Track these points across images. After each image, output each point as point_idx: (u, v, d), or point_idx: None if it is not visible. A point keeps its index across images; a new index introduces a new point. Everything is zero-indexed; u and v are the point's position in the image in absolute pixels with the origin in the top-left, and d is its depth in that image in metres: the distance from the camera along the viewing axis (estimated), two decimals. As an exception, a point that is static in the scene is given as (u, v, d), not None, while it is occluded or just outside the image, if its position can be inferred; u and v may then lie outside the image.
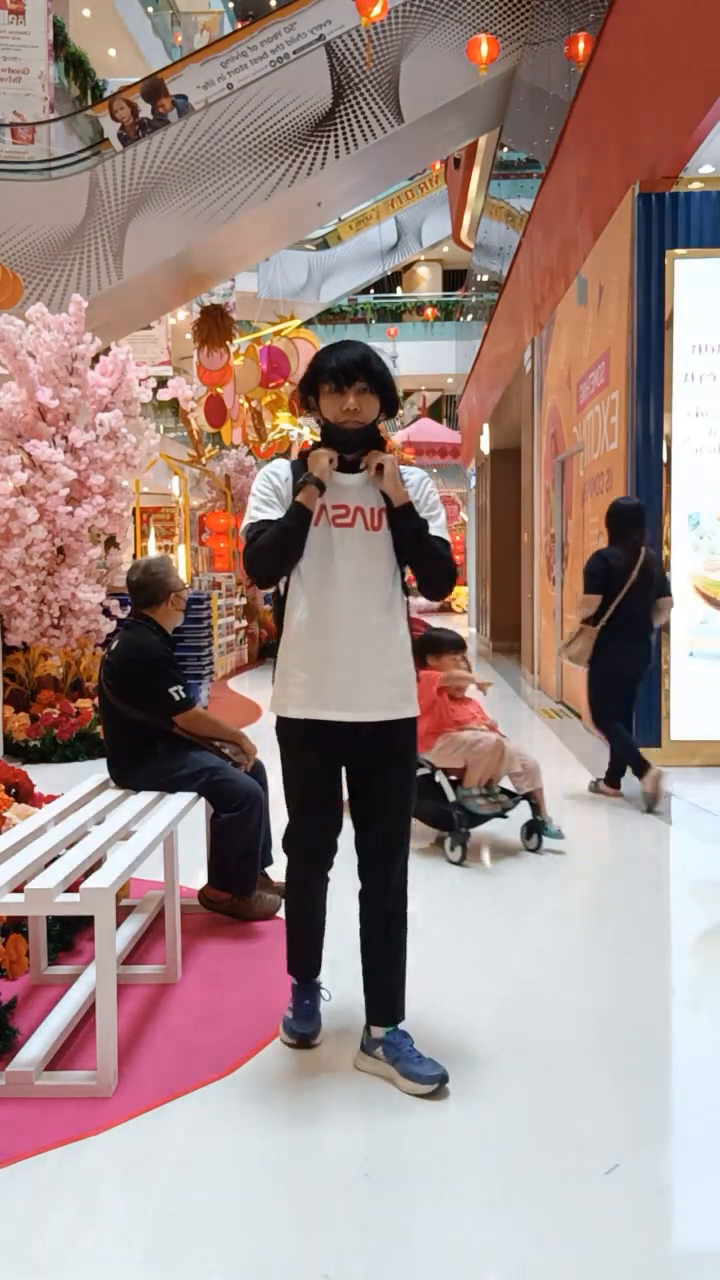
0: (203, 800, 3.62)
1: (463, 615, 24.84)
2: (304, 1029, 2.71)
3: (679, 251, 6.27)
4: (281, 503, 2.55)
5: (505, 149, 13.16)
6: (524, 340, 11.14)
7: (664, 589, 5.55)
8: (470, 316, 22.17)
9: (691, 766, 6.24)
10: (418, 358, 29.03)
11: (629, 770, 5.49)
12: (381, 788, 2.59)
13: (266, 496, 2.57)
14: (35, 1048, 2.60)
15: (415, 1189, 2.09)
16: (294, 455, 2.65)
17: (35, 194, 11.55)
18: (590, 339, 7.53)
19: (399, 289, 32.93)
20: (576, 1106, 2.42)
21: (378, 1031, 2.61)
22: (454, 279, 31.17)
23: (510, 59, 10.82)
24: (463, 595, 25.39)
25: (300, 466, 2.58)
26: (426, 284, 32.65)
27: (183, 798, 3.46)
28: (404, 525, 2.54)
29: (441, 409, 30.61)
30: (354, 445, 2.57)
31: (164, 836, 3.11)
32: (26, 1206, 2.07)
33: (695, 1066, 2.68)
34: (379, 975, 2.63)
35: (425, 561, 2.58)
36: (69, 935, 3.42)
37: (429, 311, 29.75)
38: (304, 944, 2.78)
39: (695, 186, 6.28)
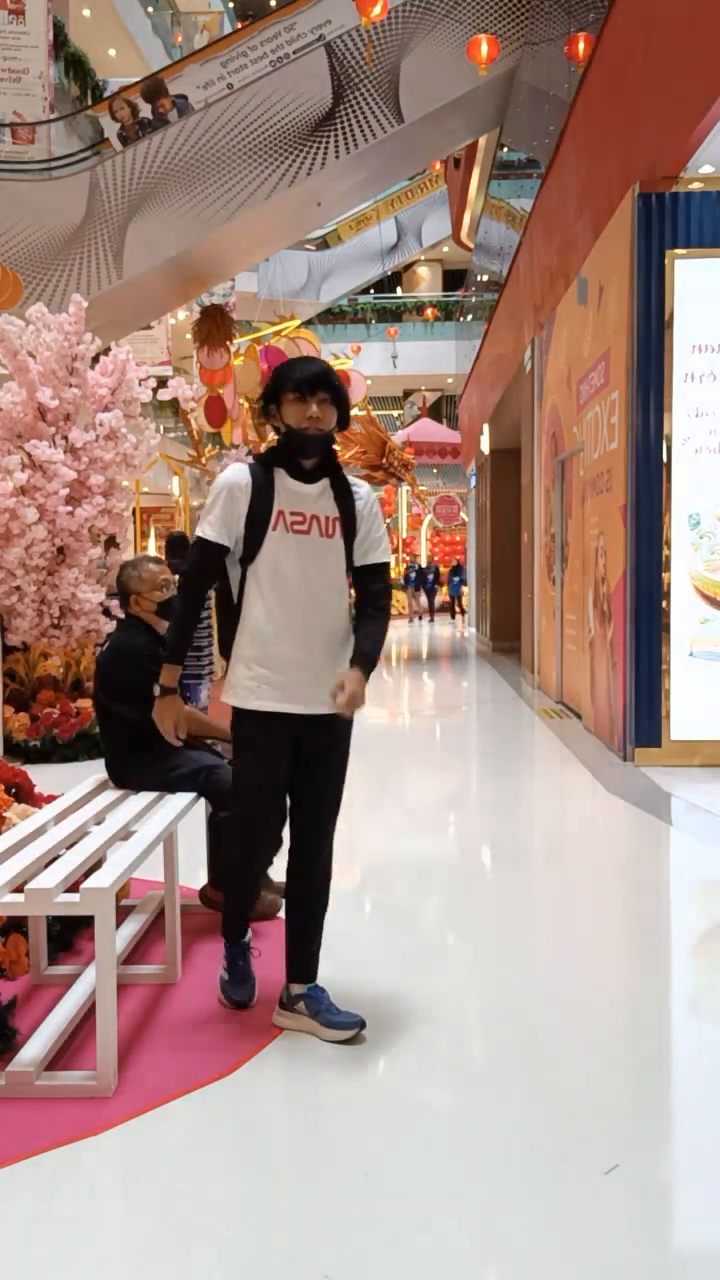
0: (202, 800, 3.62)
1: (463, 615, 24.85)
2: (242, 994, 2.95)
3: (679, 251, 6.27)
4: (238, 520, 2.70)
5: (505, 149, 13.17)
6: (524, 340, 11.14)
7: None
8: (470, 316, 22.17)
9: (691, 766, 6.24)
10: (418, 358, 29.03)
11: None
12: (325, 771, 2.80)
13: (225, 516, 2.72)
14: (35, 1048, 2.60)
15: (415, 1189, 2.09)
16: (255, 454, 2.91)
17: (35, 194, 11.54)
18: (590, 339, 7.53)
19: (399, 289, 32.92)
20: (576, 1106, 2.42)
21: (298, 989, 2.85)
22: (454, 279, 31.17)
23: (510, 59, 10.82)
24: (463, 595, 25.41)
25: (260, 471, 2.73)
26: (426, 284, 32.65)
27: (182, 797, 3.45)
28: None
29: (441, 409, 30.61)
30: (314, 451, 2.73)
31: (164, 836, 3.11)
32: (26, 1206, 2.06)
33: (695, 1066, 2.68)
34: (304, 942, 2.88)
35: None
36: (69, 935, 3.42)
37: (429, 311, 29.76)
38: (244, 914, 3.00)
39: (695, 186, 6.28)
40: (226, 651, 2.87)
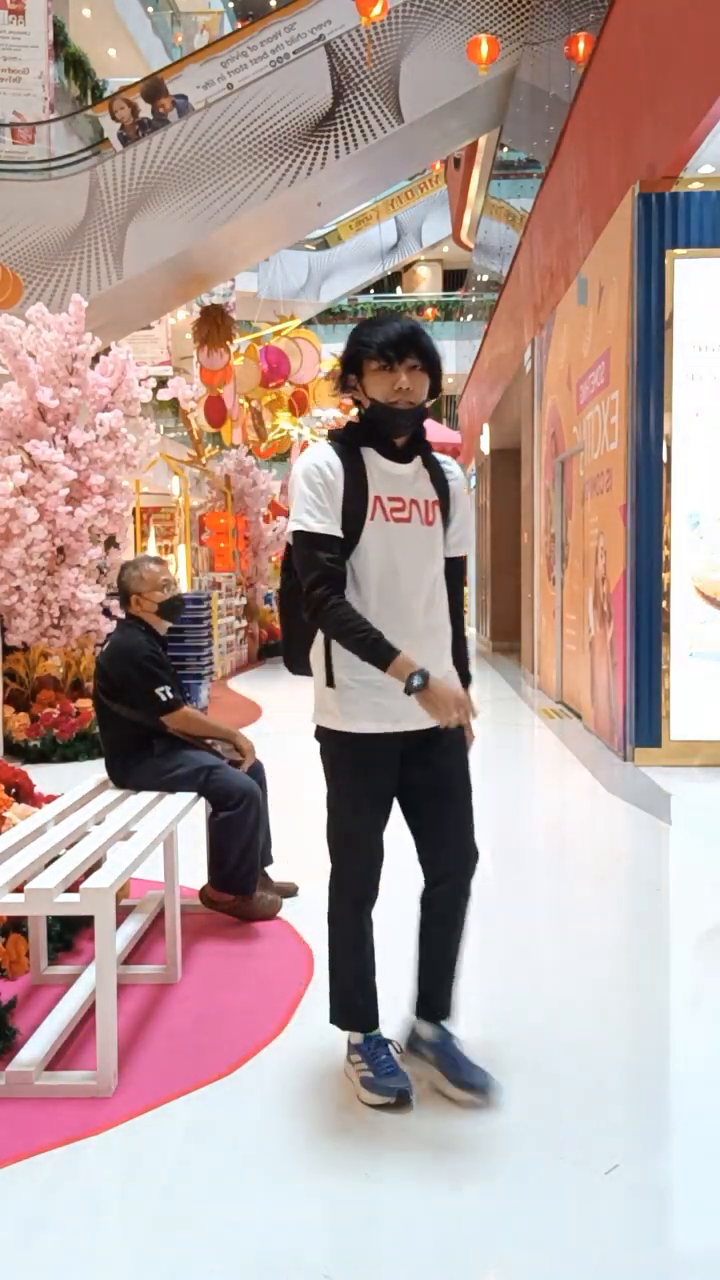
0: (202, 800, 3.62)
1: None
2: (403, 1083, 2.39)
3: (679, 251, 6.26)
4: (334, 503, 2.27)
5: (505, 149, 13.17)
6: (524, 340, 11.15)
7: None
8: (470, 316, 22.18)
9: (691, 766, 6.25)
10: (418, 358, 28.97)
11: None
12: (448, 761, 2.40)
13: (318, 500, 2.28)
14: (35, 1048, 2.60)
15: (415, 1189, 2.09)
16: (324, 439, 2.39)
17: (35, 194, 11.54)
18: (590, 339, 7.53)
19: (399, 289, 32.93)
20: (576, 1106, 2.42)
21: (427, 1030, 2.50)
22: (454, 279, 31.17)
23: (510, 59, 10.82)
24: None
25: (342, 450, 2.33)
26: (426, 284, 32.65)
27: (182, 797, 3.46)
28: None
29: (441, 409, 30.59)
30: (405, 427, 2.34)
31: (164, 836, 3.11)
32: (26, 1206, 2.06)
33: (695, 1066, 2.68)
34: (441, 970, 2.50)
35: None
36: (69, 935, 3.42)
37: (429, 311, 29.75)
38: (369, 985, 2.51)
39: (695, 186, 6.28)
40: (300, 664, 2.50)
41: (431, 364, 2.31)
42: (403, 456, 2.36)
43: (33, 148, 12.21)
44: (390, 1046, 2.48)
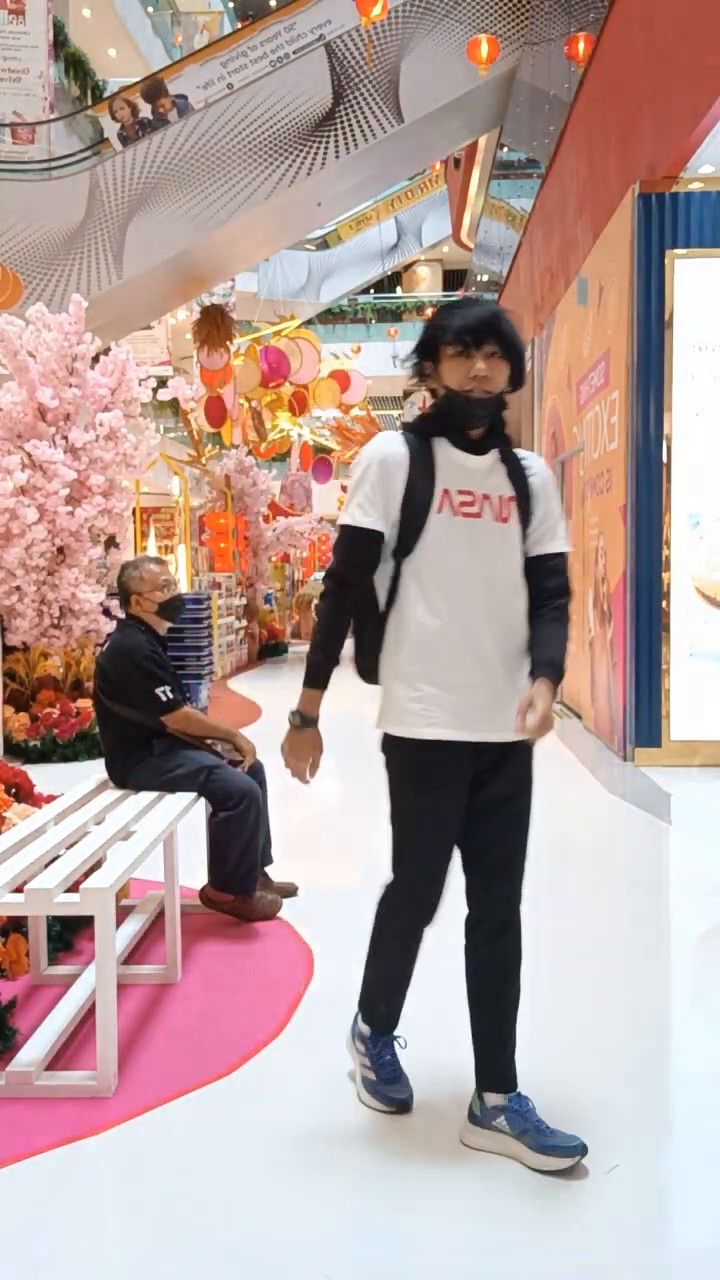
0: (202, 800, 3.62)
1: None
2: (403, 1092, 2.36)
3: (679, 251, 6.26)
4: (389, 497, 2.17)
5: (505, 149, 13.17)
6: (524, 340, 11.14)
7: None
8: (470, 316, 22.14)
9: (691, 766, 6.24)
10: (418, 358, 28.98)
11: None
12: (509, 813, 2.25)
13: (371, 494, 2.19)
14: (35, 1048, 2.60)
15: (415, 1188, 2.09)
16: (392, 426, 2.38)
17: (35, 194, 11.54)
18: (590, 339, 7.53)
19: (399, 289, 32.94)
20: (576, 1106, 2.41)
21: (495, 1099, 2.25)
22: (454, 279, 31.18)
23: (510, 59, 10.82)
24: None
25: (416, 441, 2.21)
26: (426, 284, 32.66)
27: (182, 797, 3.45)
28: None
29: (442, 409, 30.57)
30: (480, 418, 2.21)
31: (164, 836, 3.11)
32: (26, 1206, 2.06)
33: (695, 1066, 2.68)
34: (498, 1043, 2.29)
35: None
36: (69, 935, 3.42)
37: (429, 311, 29.75)
38: (399, 996, 2.44)
39: (695, 186, 6.29)
40: (368, 669, 2.35)
41: (512, 351, 2.17)
42: (477, 449, 2.22)
43: (33, 148, 12.21)
44: (396, 1044, 2.42)
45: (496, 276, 14.62)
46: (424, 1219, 2.00)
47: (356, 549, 2.21)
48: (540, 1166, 2.13)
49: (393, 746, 2.26)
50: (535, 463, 2.31)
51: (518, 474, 2.26)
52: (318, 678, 2.26)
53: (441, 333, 2.16)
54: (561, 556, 2.29)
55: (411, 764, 2.22)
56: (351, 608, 2.26)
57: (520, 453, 2.29)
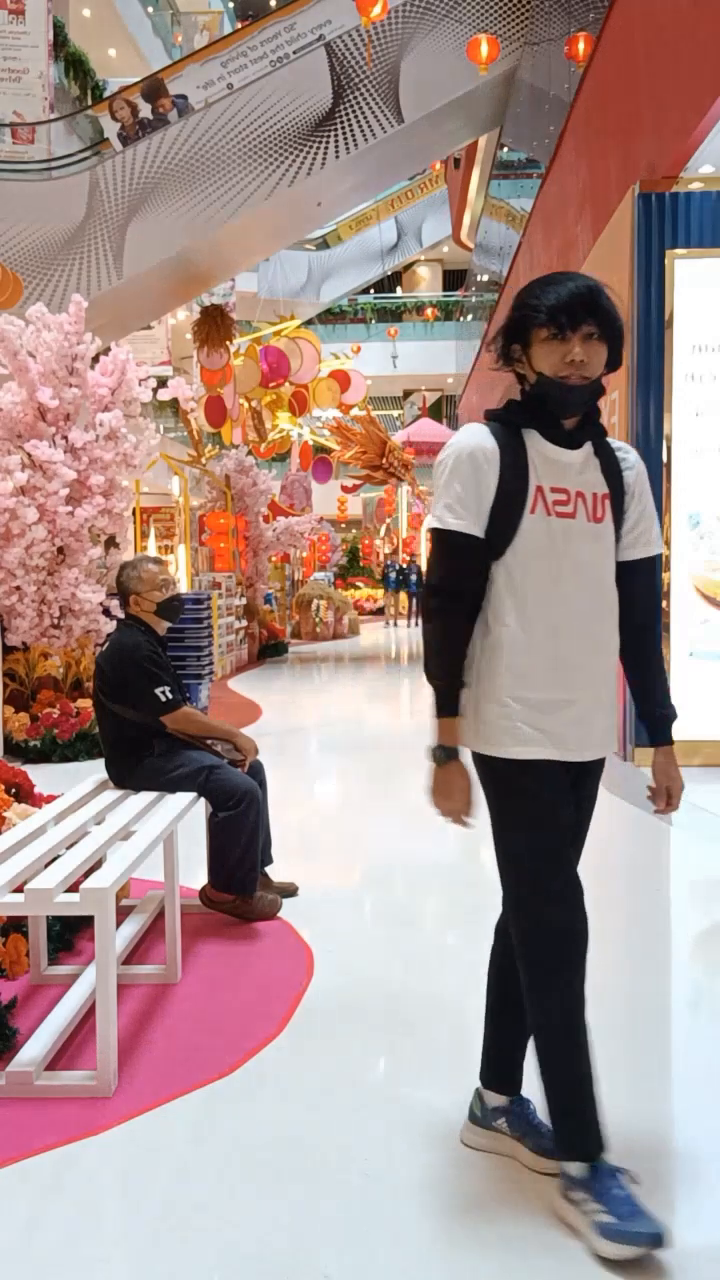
0: (202, 800, 3.62)
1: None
2: (654, 1224, 1.86)
3: (679, 251, 6.26)
4: (481, 497, 1.97)
5: (505, 149, 13.17)
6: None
7: None
8: (470, 316, 22.18)
9: (692, 766, 6.24)
10: (417, 358, 29.07)
11: None
12: (580, 821, 2.12)
13: (462, 493, 1.97)
14: (35, 1048, 2.60)
15: (415, 1187, 2.09)
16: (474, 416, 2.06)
17: (35, 194, 11.55)
18: (590, 339, 7.52)
19: (399, 289, 32.96)
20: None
21: (497, 1099, 2.19)
22: (454, 279, 31.21)
23: (510, 59, 10.83)
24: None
25: (501, 431, 2.00)
26: (426, 284, 32.69)
27: (182, 798, 3.45)
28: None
29: (441, 409, 30.64)
30: (577, 406, 2.00)
31: (164, 836, 3.11)
32: (27, 1206, 2.06)
33: (695, 1066, 2.68)
34: (510, 1036, 2.19)
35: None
36: (69, 935, 3.42)
37: (429, 311, 29.79)
38: (591, 1097, 1.98)
39: (695, 186, 6.29)
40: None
41: (612, 331, 1.96)
42: (571, 441, 2.01)
43: (33, 148, 12.22)
44: (620, 1176, 1.94)
45: (496, 276, 14.62)
46: (425, 1218, 2.00)
47: (456, 555, 1.98)
48: (536, 1168, 2.11)
49: (492, 768, 2.03)
50: (630, 455, 2.11)
51: (612, 468, 2.06)
52: (448, 705, 2.01)
53: (533, 313, 1.93)
54: (653, 561, 2.11)
55: (515, 786, 2.01)
56: (464, 620, 2.01)
57: (614, 443, 2.09)
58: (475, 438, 2.00)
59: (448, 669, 2.02)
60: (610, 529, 2.04)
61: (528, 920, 2.01)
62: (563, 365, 1.93)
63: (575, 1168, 1.95)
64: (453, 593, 2.00)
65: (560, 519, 1.98)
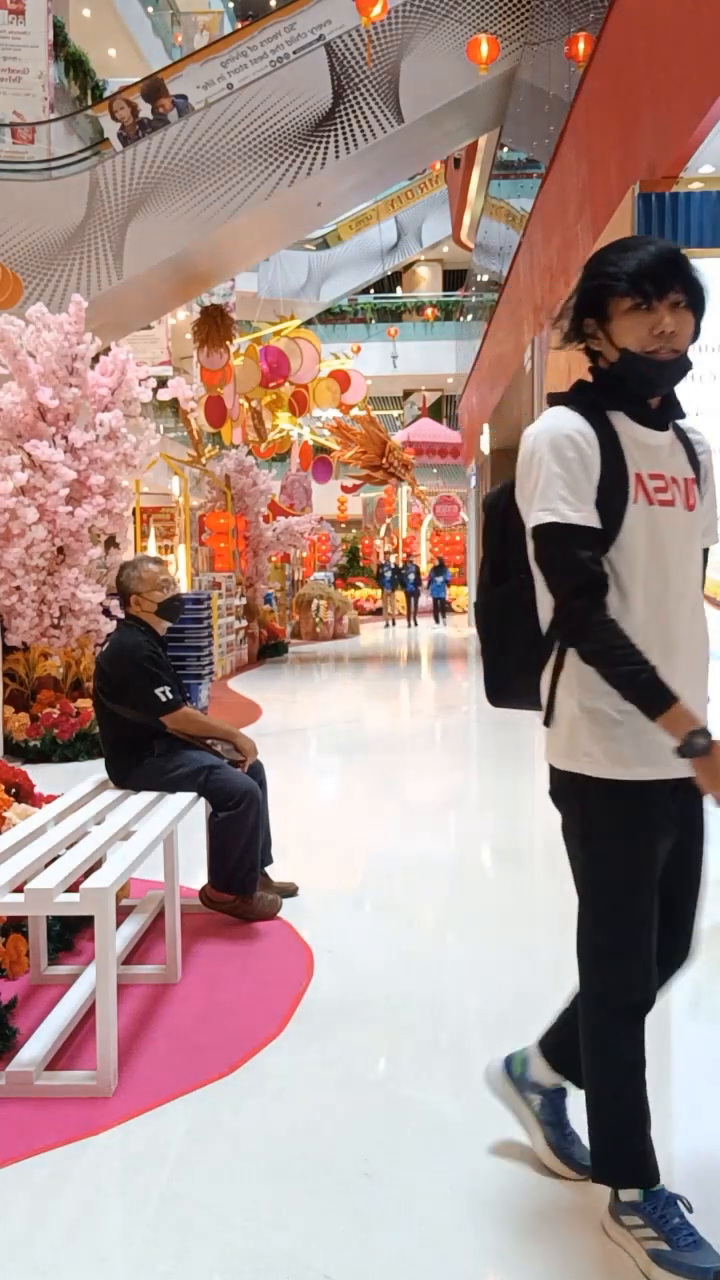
0: (202, 800, 3.62)
1: (462, 615, 24.82)
2: (713, 1259, 1.78)
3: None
4: (592, 484, 1.75)
5: (505, 149, 13.16)
6: (524, 340, 11.14)
7: None
8: (470, 316, 22.17)
9: (691, 766, 6.24)
10: (417, 358, 29.08)
11: None
12: (684, 859, 1.89)
13: (573, 482, 1.75)
14: (35, 1048, 2.60)
15: (415, 1188, 2.09)
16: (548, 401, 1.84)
17: (35, 194, 11.55)
18: (590, 339, 7.52)
19: (399, 289, 32.96)
20: (575, 1106, 2.41)
21: (543, 1073, 2.08)
22: (454, 279, 31.20)
23: (510, 59, 10.82)
24: (463, 595, 25.37)
25: (590, 414, 1.80)
26: (426, 284, 32.68)
27: (182, 798, 3.46)
28: None
29: (441, 409, 30.64)
30: (665, 385, 1.83)
31: (164, 836, 3.11)
32: (27, 1206, 2.06)
33: (695, 1066, 2.68)
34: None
35: None
36: (69, 935, 3.42)
37: (429, 311, 29.79)
38: (647, 1129, 1.89)
39: (695, 186, 6.28)
40: (511, 692, 1.98)
41: (698, 299, 1.78)
42: (658, 422, 1.84)
43: (33, 148, 12.21)
44: (680, 1204, 1.86)
45: (496, 276, 14.61)
46: (425, 1217, 2.00)
47: (583, 551, 1.73)
48: (549, 1164, 2.09)
49: (583, 790, 1.81)
50: (701, 434, 1.94)
51: (691, 450, 1.90)
52: (664, 692, 1.68)
53: (613, 282, 1.75)
54: (707, 553, 1.94)
55: (612, 811, 1.79)
56: (619, 626, 1.72)
57: (683, 423, 1.93)
58: (570, 421, 1.78)
59: (639, 659, 1.69)
60: (700, 517, 1.87)
61: (601, 960, 1.87)
62: (650, 338, 1.76)
63: (628, 1193, 1.88)
64: (597, 589, 1.73)
65: (663, 508, 1.79)
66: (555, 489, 1.74)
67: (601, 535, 1.75)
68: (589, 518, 1.74)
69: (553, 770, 1.88)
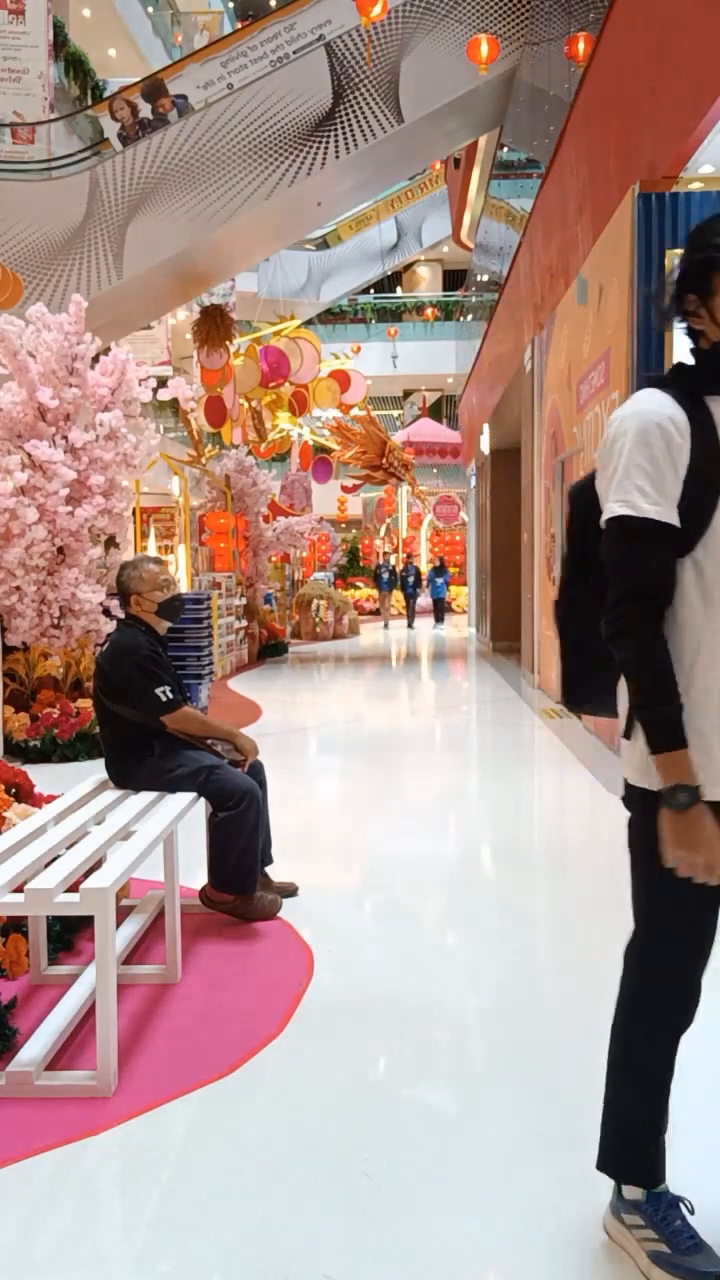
0: (202, 800, 3.62)
1: (462, 615, 24.83)
2: (713, 1263, 1.78)
3: (679, 251, 6.26)
4: (676, 477, 1.63)
5: (505, 149, 13.17)
6: (524, 340, 11.15)
7: None
8: (470, 316, 22.17)
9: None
10: (418, 358, 29.09)
11: None
12: None
13: (655, 473, 1.63)
14: (35, 1048, 2.60)
15: (415, 1188, 2.09)
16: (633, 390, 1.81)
17: (35, 194, 11.55)
18: (590, 339, 7.52)
19: (399, 289, 32.96)
20: (575, 1106, 2.41)
21: (633, 1192, 1.89)
22: (454, 279, 31.21)
23: (510, 59, 10.83)
24: (462, 595, 25.37)
25: (686, 400, 1.68)
26: (426, 284, 32.69)
27: (182, 797, 3.46)
28: None
29: (441, 409, 30.65)
30: None
31: (164, 836, 3.11)
32: (26, 1206, 2.06)
33: (694, 1065, 2.68)
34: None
35: None
36: (69, 935, 3.42)
37: (429, 311, 29.80)
38: (661, 1134, 1.89)
39: (695, 186, 6.28)
40: (590, 696, 1.92)
41: None
42: None
43: (33, 148, 12.22)
44: (682, 1205, 1.85)
45: (496, 276, 14.62)
46: (424, 1217, 2.00)
47: (653, 549, 1.63)
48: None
49: (652, 805, 1.71)
50: None
51: None
52: (678, 732, 1.61)
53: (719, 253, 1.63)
54: None
55: (688, 832, 1.66)
56: (665, 645, 1.64)
57: None
58: (663, 405, 1.66)
59: (670, 688, 1.61)
60: None
61: (654, 977, 1.85)
62: None
63: (631, 1190, 1.86)
64: (653, 595, 1.64)
65: None
66: (634, 479, 1.64)
67: (680, 534, 1.64)
68: (666, 514, 1.63)
69: (627, 784, 1.81)
